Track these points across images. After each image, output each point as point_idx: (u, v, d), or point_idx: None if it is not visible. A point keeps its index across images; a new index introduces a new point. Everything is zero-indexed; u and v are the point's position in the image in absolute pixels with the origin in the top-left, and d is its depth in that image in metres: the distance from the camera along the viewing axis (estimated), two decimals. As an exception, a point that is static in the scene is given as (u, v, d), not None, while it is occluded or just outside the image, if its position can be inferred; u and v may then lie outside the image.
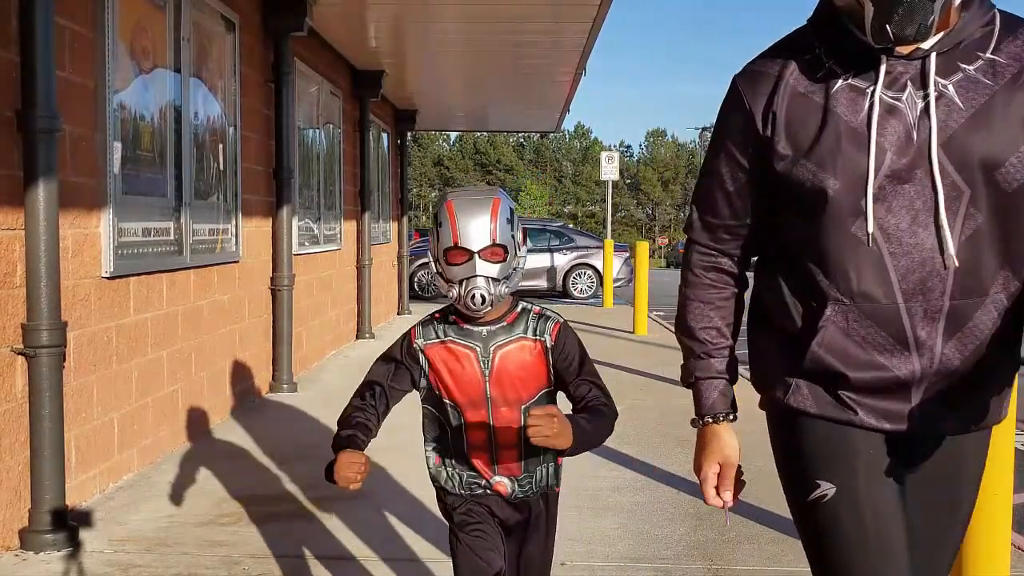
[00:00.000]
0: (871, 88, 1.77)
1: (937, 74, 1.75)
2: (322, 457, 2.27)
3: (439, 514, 2.60)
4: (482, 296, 2.28)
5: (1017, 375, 1.99)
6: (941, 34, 1.75)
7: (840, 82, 1.79)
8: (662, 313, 15.98)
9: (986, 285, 1.78)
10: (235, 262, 7.00)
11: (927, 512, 1.92)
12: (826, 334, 1.82)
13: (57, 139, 4.18)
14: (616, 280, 18.72)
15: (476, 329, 2.38)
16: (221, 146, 6.74)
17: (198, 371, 6.31)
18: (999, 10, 1.82)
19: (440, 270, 2.36)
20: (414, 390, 2.44)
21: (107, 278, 4.94)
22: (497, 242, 2.30)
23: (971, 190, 1.74)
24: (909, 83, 1.76)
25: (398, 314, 14.39)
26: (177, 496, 4.89)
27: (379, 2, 8.40)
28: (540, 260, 19.63)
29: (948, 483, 1.93)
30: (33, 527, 4.12)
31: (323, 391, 7.86)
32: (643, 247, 13.38)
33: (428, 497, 3.83)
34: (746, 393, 2.08)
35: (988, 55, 1.77)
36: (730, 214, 1.96)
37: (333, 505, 4.63)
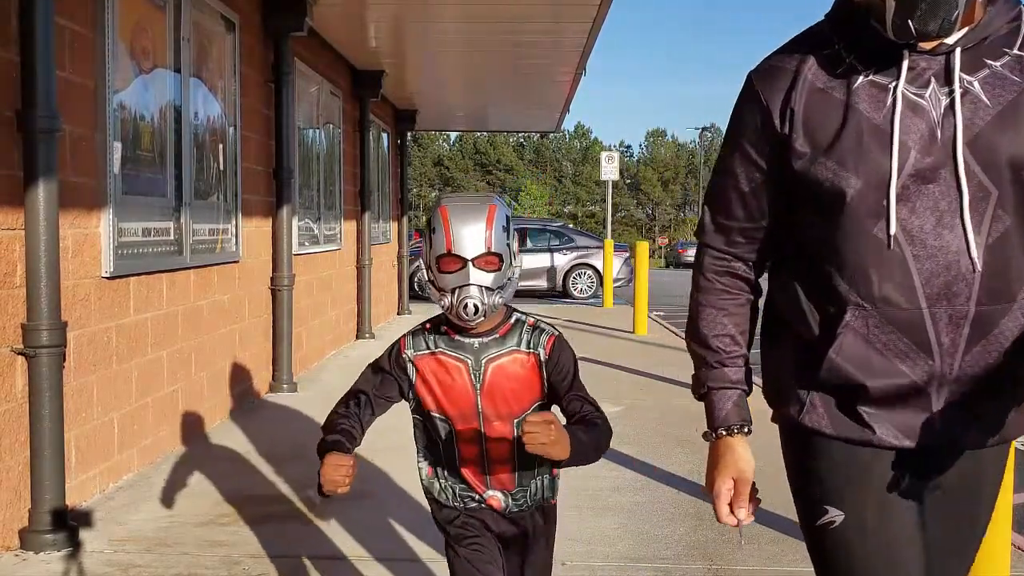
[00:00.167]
0: (893, 84, 1.70)
1: (962, 70, 1.69)
2: (322, 457, 2.27)
3: (439, 515, 2.59)
4: (475, 306, 2.18)
5: None
6: (966, 29, 1.69)
7: (861, 78, 1.72)
8: (662, 313, 15.99)
9: (1014, 290, 1.71)
10: (235, 262, 7.00)
11: (946, 525, 1.86)
12: (845, 341, 1.73)
13: (57, 139, 4.18)
14: (616, 280, 18.72)
15: (468, 341, 2.30)
16: (221, 146, 6.74)
17: (198, 371, 6.31)
18: None
19: (432, 278, 2.27)
20: (402, 400, 2.37)
21: (107, 278, 4.94)
22: (492, 250, 2.21)
23: (998, 191, 1.67)
24: (933, 79, 1.69)
25: (398, 314, 14.39)
26: (177, 496, 4.89)
27: (379, 2, 8.40)
28: (540, 260, 19.65)
29: (968, 496, 1.87)
30: (33, 527, 4.12)
31: (323, 391, 7.86)
32: (643, 247, 13.38)
33: (428, 497, 3.83)
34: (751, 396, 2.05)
35: (1015, 51, 1.70)
36: (745, 216, 1.87)
37: (333, 505, 4.63)
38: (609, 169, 23.08)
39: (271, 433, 6.38)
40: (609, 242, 17.41)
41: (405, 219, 15.57)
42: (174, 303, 5.88)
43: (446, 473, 2.37)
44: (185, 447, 5.93)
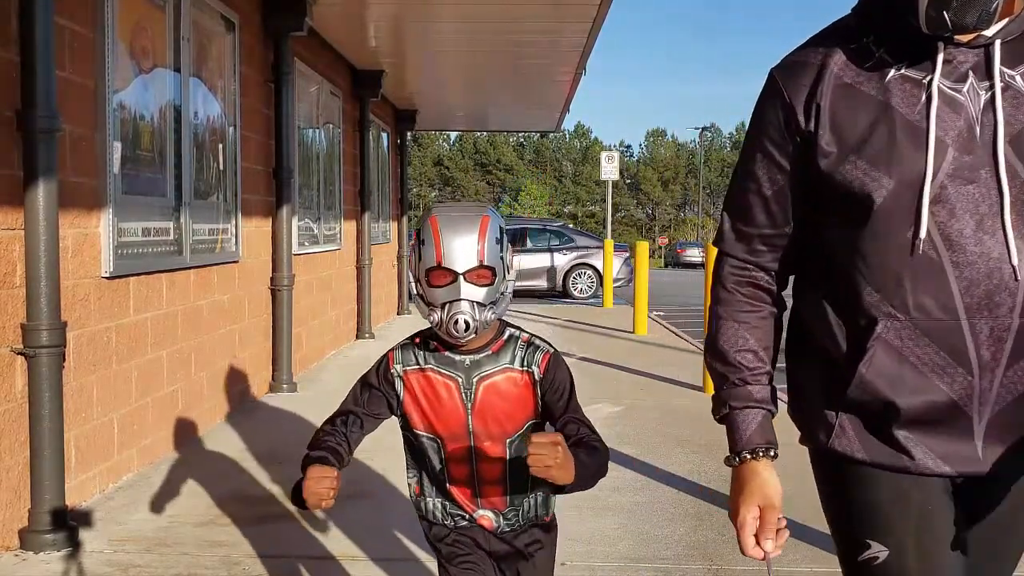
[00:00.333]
0: (928, 78, 1.58)
1: (1002, 64, 1.57)
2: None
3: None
4: (466, 322, 2.07)
5: None
6: (1005, 20, 1.56)
7: (892, 72, 1.60)
8: (662, 313, 15.99)
9: None
10: (235, 262, 6.99)
11: (988, 555, 1.75)
12: (876, 355, 1.61)
13: (57, 139, 4.18)
14: (616, 280, 18.73)
15: (458, 358, 2.18)
16: (221, 146, 6.74)
17: (198, 371, 6.31)
18: None
19: (421, 292, 2.15)
20: (392, 416, 2.28)
21: (107, 278, 4.94)
22: (485, 263, 2.09)
23: None
24: (971, 73, 1.58)
25: (398, 314, 14.39)
26: (176, 496, 4.89)
27: (379, 2, 8.40)
28: (540, 260, 19.67)
29: (1011, 522, 1.74)
30: (33, 527, 4.11)
31: (323, 391, 7.86)
32: (643, 247, 13.38)
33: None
34: None
35: None
36: (767, 222, 1.75)
37: (334, 505, 4.62)
38: (609, 169, 23.10)
39: (271, 433, 6.38)
40: (609, 242, 17.42)
41: (405, 219, 15.57)
42: (174, 303, 5.87)
43: (435, 492, 2.29)
44: (185, 447, 5.93)
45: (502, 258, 2.14)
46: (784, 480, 1.74)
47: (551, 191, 77.77)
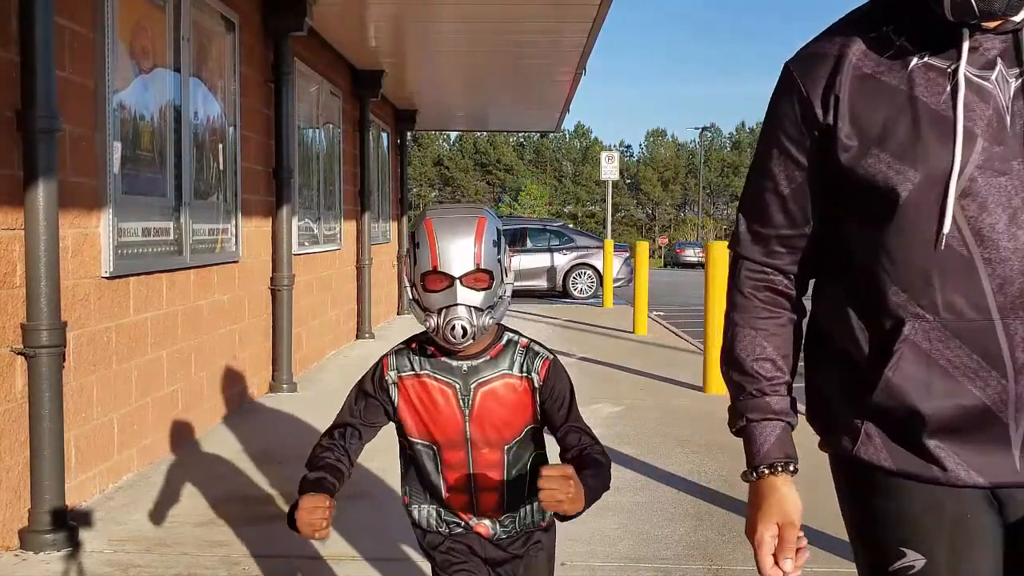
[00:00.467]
0: (953, 66, 1.50)
1: None
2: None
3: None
4: (463, 328, 2.01)
5: None
6: None
7: (915, 60, 1.53)
8: (662, 313, 15.99)
9: None
10: (235, 262, 6.99)
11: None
12: (903, 358, 1.52)
13: (57, 139, 4.18)
14: (616, 280, 18.74)
15: (455, 364, 2.13)
16: (221, 146, 6.74)
17: (198, 371, 6.31)
18: None
19: (416, 297, 2.09)
20: (390, 422, 2.24)
21: (107, 278, 4.94)
22: (482, 267, 2.03)
23: None
24: (999, 60, 1.50)
25: (398, 314, 14.39)
26: (177, 496, 4.89)
27: (379, 2, 8.40)
28: (540, 260, 19.67)
29: None
30: (33, 527, 4.11)
31: (323, 391, 7.86)
32: (643, 247, 13.39)
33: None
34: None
35: None
36: (785, 222, 1.67)
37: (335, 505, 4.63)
38: (609, 169, 23.11)
39: (270, 433, 6.38)
40: (609, 242, 17.43)
41: (405, 219, 15.58)
42: (174, 303, 5.88)
43: (430, 499, 2.24)
44: (185, 447, 5.93)
45: (499, 261, 2.09)
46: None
47: (551, 191, 77.78)
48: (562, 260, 19.83)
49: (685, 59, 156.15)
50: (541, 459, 2.22)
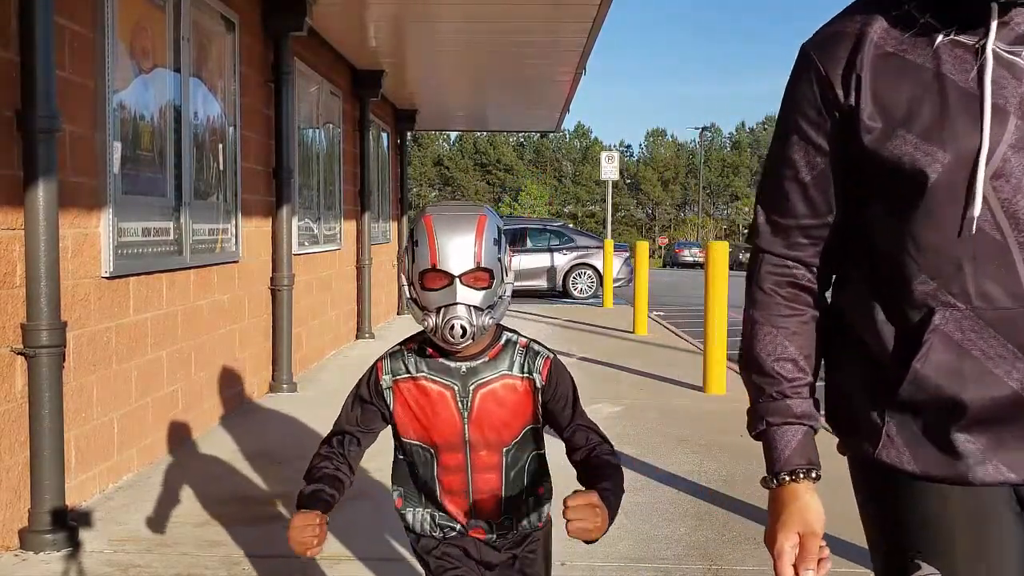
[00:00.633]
0: (981, 42, 1.43)
1: None
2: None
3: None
4: (463, 328, 1.96)
5: None
6: None
7: (940, 38, 1.45)
8: (662, 313, 16.00)
9: None
10: (235, 262, 6.99)
11: None
12: (933, 347, 1.45)
13: (57, 139, 4.18)
14: (616, 280, 18.74)
15: (454, 365, 2.08)
16: (221, 146, 6.74)
17: (198, 371, 6.31)
18: None
19: (414, 295, 2.03)
20: (388, 426, 2.20)
21: (107, 278, 4.94)
22: (482, 265, 1.98)
23: None
24: None
25: (398, 314, 14.39)
26: (177, 496, 4.89)
27: (379, 2, 8.40)
28: (540, 260, 19.68)
29: None
30: (33, 527, 4.11)
31: (323, 391, 7.86)
32: (643, 247, 13.39)
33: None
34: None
35: None
36: (807, 211, 1.58)
37: (335, 505, 4.63)
38: (609, 169, 23.12)
39: (270, 433, 6.38)
40: (609, 242, 17.44)
41: (405, 219, 15.58)
42: (174, 303, 5.87)
43: (425, 502, 2.19)
44: (185, 447, 5.93)
45: (500, 259, 2.03)
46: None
47: (551, 191, 77.80)
48: (562, 260, 19.83)
49: (685, 59, 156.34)
50: (540, 459, 2.20)
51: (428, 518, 2.20)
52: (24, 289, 4.13)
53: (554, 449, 2.22)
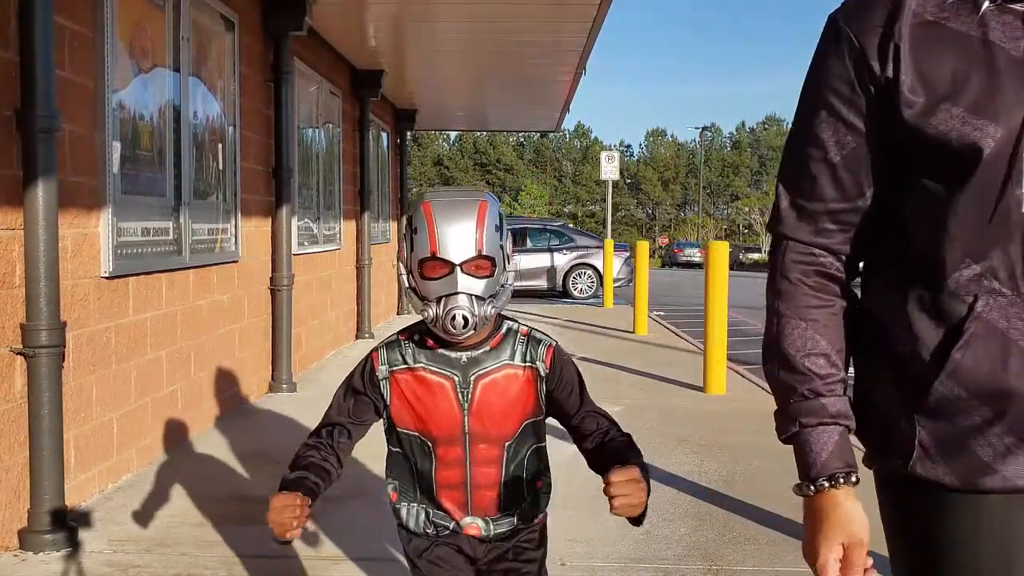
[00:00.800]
0: None
1: None
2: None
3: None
4: (464, 318, 1.89)
5: None
6: None
7: (987, 4, 1.35)
8: (662, 313, 16.00)
9: None
10: (234, 262, 6.99)
11: None
12: (975, 337, 1.34)
13: (56, 138, 4.17)
14: (616, 280, 18.74)
15: (454, 355, 2.01)
16: (220, 146, 6.73)
17: (197, 371, 6.31)
18: None
19: (413, 284, 1.97)
20: (380, 420, 2.13)
21: (106, 278, 4.94)
22: (483, 253, 1.91)
23: None
24: None
25: (397, 314, 14.39)
26: (176, 496, 4.89)
27: (379, 2, 8.40)
28: (540, 260, 19.67)
29: None
30: (32, 527, 4.11)
31: (323, 391, 7.84)
32: (643, 247, 13.39)
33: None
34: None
35: None
36: (836, 195, 1.46)
37: (332, 505, 4.63)
38: (609, 169, 23.12)
39: (270, 433, 6.37)
40: (609, 242, 17.44)
41: (404, 219, 15.58)
42: (173, 303, 5.87)
43: (420, 497, 2.11)
44: (184, 447, 5.93)
45: (502, 247, 1.96)
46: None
47: (551, 191, 77.81)
48: (562, 260, 19.83)
49: (685, 59, 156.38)
50: (540, 452, 2.14)
51: (423, 514, 2.12)
52: (23, 289, 4.12)
53: (553, 448, 2.21)
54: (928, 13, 1.38)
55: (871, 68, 1.39)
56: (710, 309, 7.82)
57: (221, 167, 6.76)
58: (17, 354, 4.10)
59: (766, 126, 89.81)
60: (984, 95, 1.32)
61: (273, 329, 7.86)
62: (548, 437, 2.18)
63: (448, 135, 77.51)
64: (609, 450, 2.00)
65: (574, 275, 19.76)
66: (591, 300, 18.83)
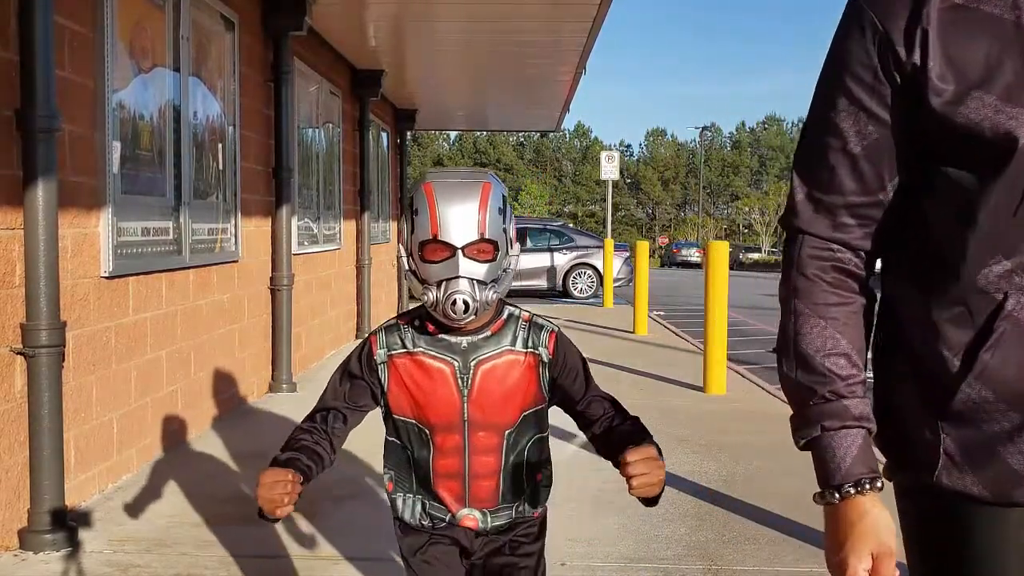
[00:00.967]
0: None
1: None
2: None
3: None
4: (465, 302, 1.84)
5: None
6: None
7: None
8: (662, 313, 16.00)
9: None
10: (234, 262, 6.99)
11: None
12: (1005, 337, 1.27)
13: (56, 138, 4.17)
14: (616, 280, 18.74)
15: (454, 340, 1.95)
16: (220, 145, 6.73)
17: (197, 371, 6.31)
18: None
19: (413, 268, 1.91)
20: (377, 407, 2.07)
21: (106, 278, 4.94)
22: (486, 237, 1.86)
23: None
24: None
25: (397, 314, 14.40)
26: (176, 496, 4.89)
27: (379, 2, 8.40)
28: (540, 260, 19.67)
29: None
30: (32, 527, 4.11)
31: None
32: (643, 247, 13.38)
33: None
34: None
35: None
36: (856, 187, 1.38)
37: (332, 505, 4.63)
38: (609, 169, 23.13)
39: (270, 433, 6.37)
40: (609, 242, 17.45)
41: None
42: (173, 303, 5.87)
43: (416, 487, 2.06)
44: (184, 447, 5.93)
45: (505, 230, 1.90)
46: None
47: (551, 191, 77.83)
48: (562, 260, 19.82)
49: (685, 59, 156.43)
50: (541, 443, 2.08)
51: (419, 505, 2.06)
52: (23, 289, 4.12)
53: (553, 448, 2.21)
54: None
55: (896, 54, 1.31)
56: (710, 309, 7.82)
57: (221, 167, 6.76)
58: (17, 354, 4.10)
59: (766, 126, 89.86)
60: (1018, 82, 1.25)
61: (273, 329, 7.86)
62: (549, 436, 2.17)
63: (448, 135, 77.56)
64: (619, 434, 1.95)
65: (574, 275, 19.76)
66: (591, 300, 18.83)
